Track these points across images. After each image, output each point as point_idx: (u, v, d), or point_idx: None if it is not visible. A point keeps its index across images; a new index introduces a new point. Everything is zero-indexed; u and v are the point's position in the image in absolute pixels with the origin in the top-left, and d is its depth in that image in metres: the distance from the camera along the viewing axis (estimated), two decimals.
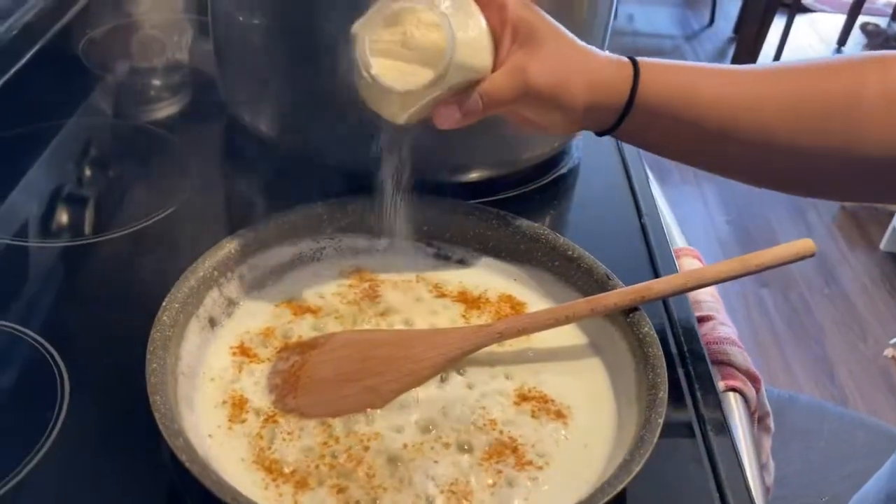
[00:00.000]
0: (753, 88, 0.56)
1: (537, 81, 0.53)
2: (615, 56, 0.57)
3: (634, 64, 0.56)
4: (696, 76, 0.57)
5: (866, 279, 2.23)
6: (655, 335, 0.52)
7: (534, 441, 0.50)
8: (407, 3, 0.51)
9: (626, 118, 0.56)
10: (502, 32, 0.54)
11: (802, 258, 0.55)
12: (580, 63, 0.55)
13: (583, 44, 0.56)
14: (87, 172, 0.79)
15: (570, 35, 0.56)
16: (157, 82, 0.94)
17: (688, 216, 2.43)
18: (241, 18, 0.71)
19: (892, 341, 1.98)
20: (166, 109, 0.89)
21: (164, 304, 0.51)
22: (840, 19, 3.69)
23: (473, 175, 0.74)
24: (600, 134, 0.59)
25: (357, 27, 0.52)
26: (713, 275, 0.56)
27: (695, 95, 0.56)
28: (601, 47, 0.77)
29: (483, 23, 0.53)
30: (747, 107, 0.56)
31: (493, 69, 0.54)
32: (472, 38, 0.52)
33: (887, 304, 2.15)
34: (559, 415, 0.52)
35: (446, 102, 0.53)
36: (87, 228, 0.69)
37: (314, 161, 0.71)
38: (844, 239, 2.38)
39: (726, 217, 2.48)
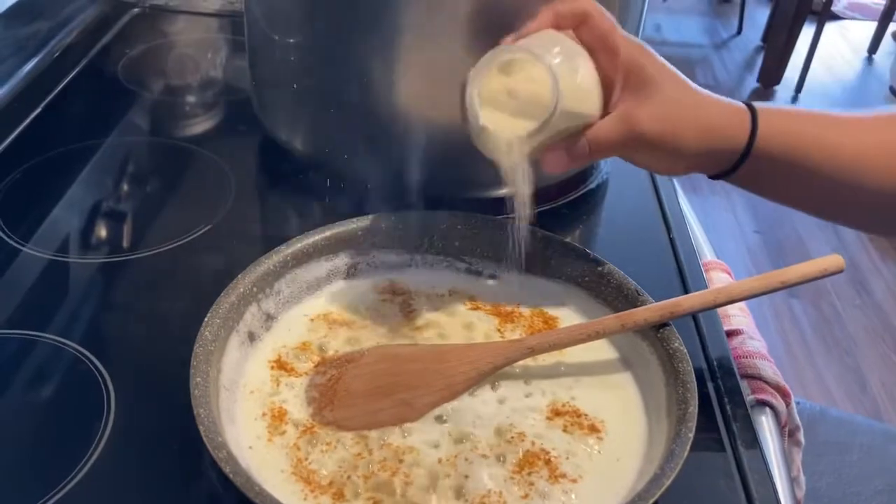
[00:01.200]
0: (878, 136, 0.56)
1: (646, 129, 0.54)
2: (730, 101, 0.57)
3: (752, 110, 0.56)
4: (817, 123, 0.56)
5: None
6: (685, 350, 0.53)
7: (567, 454, 0.51)
8: (519, 53, 0.52)
9: (741, 165, 0.56)
10: (614, 77, 0.54)
11: (831, 274, 0.55)
12: (693, 109, 0.55)
13: (697, 87, 0.56)
14: (126, 189, 0.81)
15: (684, 78, 0.56)
16: (192, 99, 0.96)
17: (717, 227, 2.42)
18: (276, 37, 0.73)
19: None
20: (201, 126, 0.91)
21: (206, 319, 0.52)
22: (871, 27, 3.65)
23: (504, 191, 0.75)
24: (713, 177, 0.59)
25: (471, 74, 0.53)
26: (742, 291, 0.57)
27: (815, 144, 0.55)
28: None
29: (592, 70, 0.54)
30: (872, 155, 0.55)
31: (605, 113, 0.54)
32: (579, 85, 0.53)
33: None
34: (592, 429, 0.53)
35: (554, 147, 0.54)
36: (127, 244, 0.71)
37: (349, 177, 0.72)
38: (876, 249, 2.36)
39: (756, 227, 2.46)
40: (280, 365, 0.55)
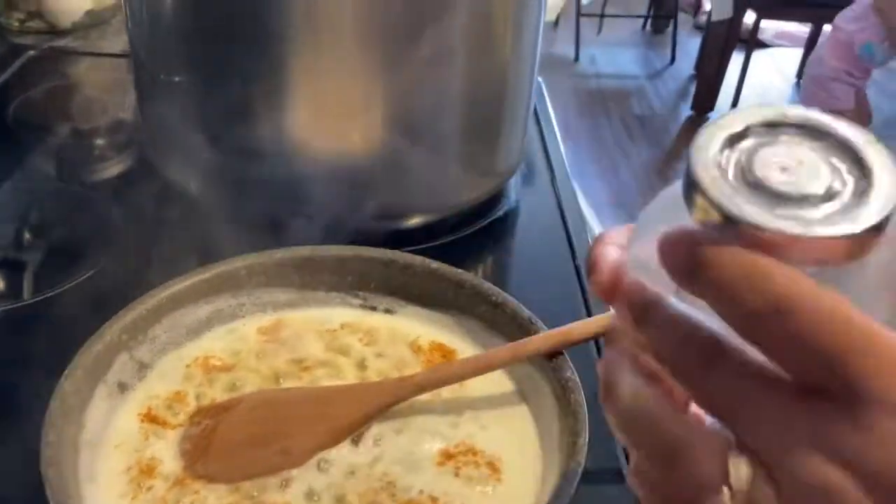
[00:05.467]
0: None
1: None
2: None
3: None
4: None
5: None
6: (577, 380, 0.51)
7: (459, 500, 0.48)
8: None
9: None
10: None
11: None
12: None
13: None
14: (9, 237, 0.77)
15: None
16: (100, 142, 0.93)
17: None
18: (161, 76, 0.71)
19: None
20: (111, 170, 0.88)
21: (66, 371, 0.49)
22: (798, 53, 3.76)
23: (410, 221, 0.73)
24: None
25: None
26: None
27: None
28: (531, 73, 0.75)
29: None
30: None
31: None
32: None
33: None
34: (491, 467, 0.50)
35: None
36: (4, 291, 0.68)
37: (244, 217, 0.70)
38: None
39: None
40: (151, 418, 0.51)
